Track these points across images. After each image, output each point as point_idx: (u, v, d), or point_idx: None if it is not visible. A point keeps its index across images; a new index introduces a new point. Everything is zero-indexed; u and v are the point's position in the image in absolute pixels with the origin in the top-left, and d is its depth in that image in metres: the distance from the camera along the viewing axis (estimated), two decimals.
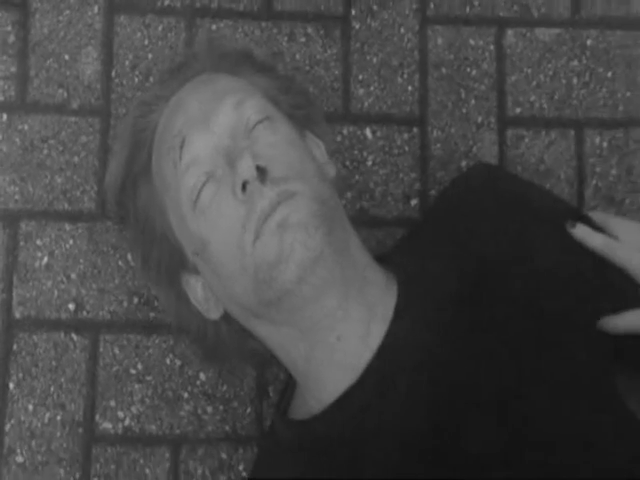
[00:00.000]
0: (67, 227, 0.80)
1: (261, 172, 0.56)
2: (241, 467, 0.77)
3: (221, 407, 0.79)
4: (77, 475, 0.77)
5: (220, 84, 0.66)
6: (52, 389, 0.79)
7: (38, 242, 0.80)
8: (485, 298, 0.63)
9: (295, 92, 0.74)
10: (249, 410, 0.79)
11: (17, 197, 0.81)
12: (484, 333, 0.60)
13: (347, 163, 0.82)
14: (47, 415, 0.79)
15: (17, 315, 0.79)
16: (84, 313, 0.80)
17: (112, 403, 0.79)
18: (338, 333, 0.60)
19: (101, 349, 0.78)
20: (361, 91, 0.82)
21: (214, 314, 0.67)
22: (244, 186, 0.57)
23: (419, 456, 0.57)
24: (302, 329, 0.61)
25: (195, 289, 0.67)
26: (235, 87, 0.66)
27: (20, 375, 0.79)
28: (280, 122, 0.65)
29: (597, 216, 0.71)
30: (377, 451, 0.59)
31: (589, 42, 0.83)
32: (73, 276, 0.80)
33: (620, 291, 0.66)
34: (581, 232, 0.67)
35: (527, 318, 0.62)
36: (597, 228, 0.68)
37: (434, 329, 0.61)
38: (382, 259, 0.68)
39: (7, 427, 0.77)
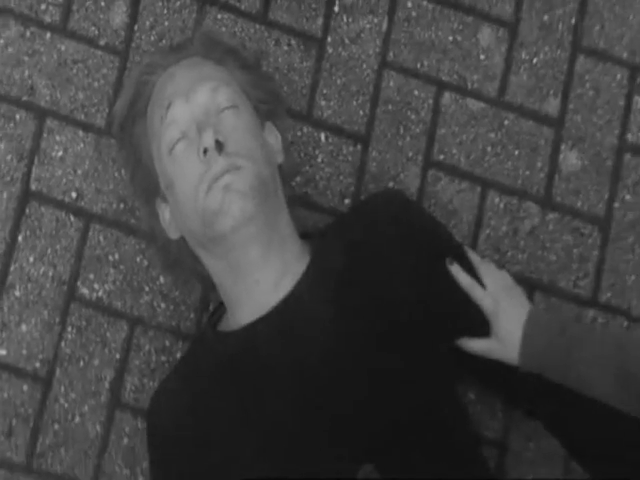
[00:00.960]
0: (80, 133, 1.05)
1: (219, 145, 0.80)
2: (178, 355, 1.03)
3: (172, 306, 1.05)
4: (57, 320, 1.03)
5: (205, 69, 0.90)
6: (49, 251, 1.04)
7: (57, 137, 1.05)
8: (365, 291, 0.87)
9: (266, 89, 0.97)
10: (192, 315, 1.05)
11: (47, 98, 1.05)
12: (355, 312, 0.85)
13: (302, 155, 1.05)
14: (42, 269, 1.04)
15: (32, 187, 1.05)
16: (82, 203, 1.05)
17: (91, 276, 1.04)
18: (257, 277, 0.83)
19: (90, 234, 1.04)
20: (323, 102, 1.05)
21: (174, 235, 0.90)
22: (205, 151, 0.80)
23: (300, 388, 0.81)
24: (232, 267, 0.84)
25: (164, 212, 0.91)
26: (216, 75, 0.89)
27: (27, 233, 1.04)
28: (245, 111, 0.89)
29: (474, 257, 0.93)
30: (269, 374, 0.83)
31: (506, 122, 1.08)
32: (79, 172, 1.05)
33: (474, 319, 0.90)
34: (454, 270, 0.91)
35: (386, 316, 0.85)
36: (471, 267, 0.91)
37: (325, 296, 0.84)
38: (307, 236, 0.93)
39: (11, 268, 1.03)
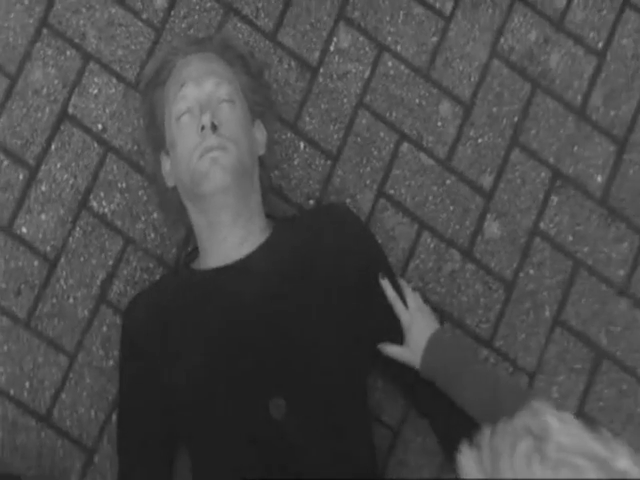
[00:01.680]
0: (114, 81, 1.32)
1: (214, 126, 1.06)
2: (157, 276, 1.27)
3: (159, 238, 1.30)
4: (69, 219, 1.30)
5: (216, 66, 1.16)
6: (73, 164, 1.30)
7: (95, 79, 1.31)
8: (304, 271, 1.10)
9: (262, 95, 1.22)
10: (174, 250, 1.30)
11: (94, 46, 1.32)
12: (293, 283, 1.09)
13: (283, 154, 1.30)
14: (65, 176, 1.30)
15: (69, 110, 1.31)
16: (105, 135, 1.31)
17: (101, 194, 1.30)
18: (225, 236, 1.10)
19: (107, 161, 1.30)
20: (307, 118, 1.29)
21: (170, 183, 1.17)
22: (202, 128, 1.06)
23: (241, 322, 1.07)
24: (208, 222, 1.11)
25: (165, 163, 1.18)
26: (223, 73, 1.15)
27: (59, 144, 1.30)
28: (239, 107, 1.14)
29: (403, 283, 1.19)
30: (220, 307, 1.09)
31: (448, 182, 1.34)
32: (107, 110, 1.31)
33: (391, 326, 1.14)
34: (384, 283, 1.15)
35: (317, 292, 1.09)
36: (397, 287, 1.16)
37: (273, 265, 1.09)
38: (272, 217, 1.20)
39: (42, 167, 1.30)
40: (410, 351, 1.12)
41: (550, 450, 0.61)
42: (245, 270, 1.09)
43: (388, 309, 1.15)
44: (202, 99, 1.09)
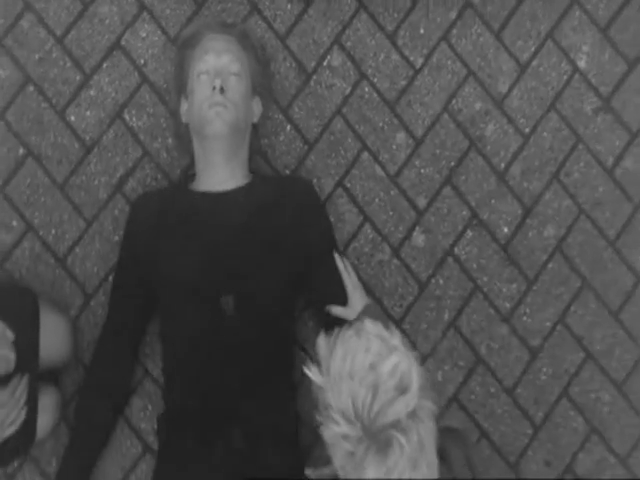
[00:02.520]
0: (159, 31, 1.73)
1: (222, 89, 1.46)
2: (162, 185, 1.69)
3: (170, 158, 1.71)
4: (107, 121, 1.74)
5: (233, 47, 1.56)
6: (121, 82, 1.72)
7: (146, 25, 1.72)
8: (266, 220, 1.50)
9: (264, 79, 1.64)
10: (178, 171, 1.71)
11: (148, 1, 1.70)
12: (256, 224, 1.49)
13: (272, 129, 1.70)
14: (110, 90, 1.73)
15: (122, 43, 1.74)
16: (146, 69, 1.72)
17: (135, 110, 1.73)
18: (216, 171, 1.53)
19: (142, 88, 1.72)
20: (296, 108, 1.73)
21: (185, 120, 1.58)
22: (214, 88, 1.45)
23: (213, 239, 1.48)
24: (205, 157, 1.52)
25: (184, 104, 1.57)
26: (238, 54, 1.55)
27: (110, 64, 1.72)
28: (244, 82, 1.54)
29: (345, 260, 1.57)
30: (201, 224, 1.50)
31: (392, 192, 1.70)
32: (149, 52, 1.73)
33: (335, 288, 1.52)
34: (336, 257, 1.55)
35: (276, 238, 1.50)
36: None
37: (246, 205, 1.49)
38: (254, 172, 1.60)
39: (92, 82, 1.74)
40: (349, 313, 1.46)
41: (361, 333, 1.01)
42: (223, 200, 1.50)
43: (330, 272, 1.52)
44: (218, 67, 1.49)
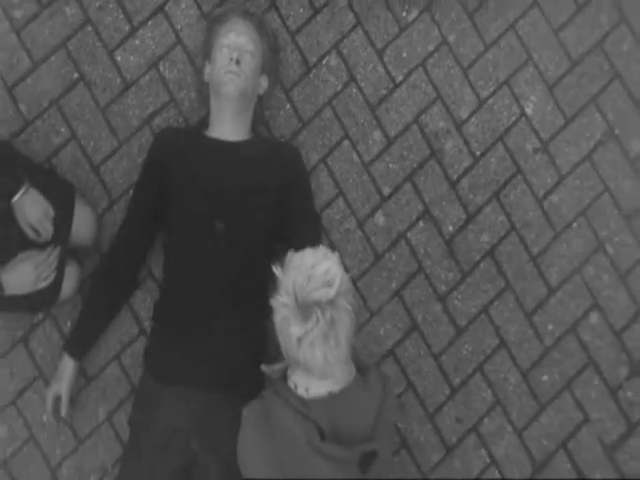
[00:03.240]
0: (196, 7, 2.19)
1: (237, 61, 1.93)
2: (182, 125, 2.18)
3: (190, 107, 2.18)
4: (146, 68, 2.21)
5: (251, 32, 2.02)
6: (160, 40, 2.20)
7: (182, 5, 2.15)
8: (259, 170, 1.96)
9: (273, 62, 2.11)
10: (196, 118, 2.17)
11: None
12: (251, 176, 1.95)
13: (274, 102, 2.13)
14: (151, 43, 2.21)
15: (165, 8, 2.22)
16: (182, 34, 2.19)
17: (167, 64, 2.21)
18: (225, 125, 2.03)
19: (176, 49, 2.19)
20: (296, 92, 2.17)
21: (206, 79, 2.04)
22: (231, 59, 1.92)
23: (216, 185, 1.93)
24: (218, 112, 2.03)
25: (207, 67, 2.05)
26: (253, 37, 2.01)
27: (154, 23, 2.19)
28: (256, 60, 2.02)
29: None
30: (208, 166, 1.97)
31: (364, 177, 2.10)
32: (186, 21, 2.19)
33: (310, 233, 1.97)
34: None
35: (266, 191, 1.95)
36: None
37: (245, 158, 1.95)
38: (255, 132, 2.07)
39: (137, 34, 2.20)
40: None
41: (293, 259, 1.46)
42: (227, 147, 1.96)
43: (304, 220, 1.99)
44: (236, 44, 1.94)
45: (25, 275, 1.88)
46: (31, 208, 1.87)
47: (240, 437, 1.54)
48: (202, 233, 1.86)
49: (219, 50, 1.94)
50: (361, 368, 1.55)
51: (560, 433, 2.16)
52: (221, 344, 1.85)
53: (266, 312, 1.84)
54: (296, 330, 1.40)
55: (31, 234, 1.90)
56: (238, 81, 1.89)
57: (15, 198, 1.84)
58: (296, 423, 1.44)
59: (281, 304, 1.42)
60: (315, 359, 1.40)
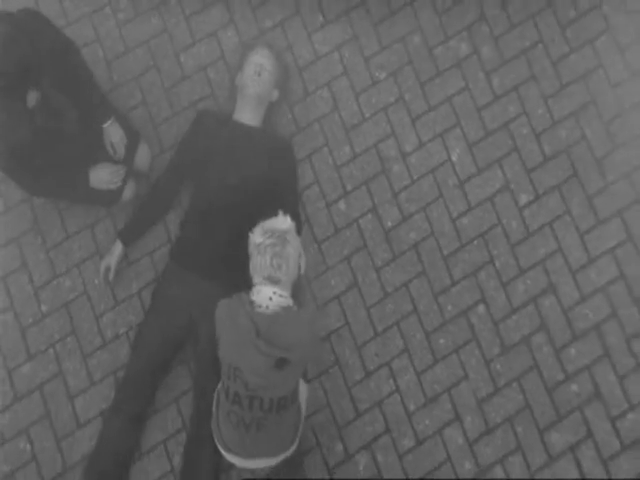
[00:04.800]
0: (237, 37, 3.26)
1: (259, 74, 3.04)
2: (208, 107, 2.94)
3: (221, 94, 3.27)
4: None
5: (271, 58, 3.13)
6: (203, 47, 2.95)
7: (229, 33, 3.28)
8: (258, 156, 3.07)
9: (284, 81, 3.18)
10: (222, 101, 3.32)
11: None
12: (251, 159, 3.04)
13: (281, 113, 3.20)
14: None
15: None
16: (224, 49, 3.17)
17: (213, 67, 3.17)
18: (244, 112, 3.14)
19: (221, 60, 3.33)
20: (297, 109, 3.12)
21: (236, 83, 3.18)
22: (255, 72, 3.03)
23: (229, 161, 3.08)
24: (243, 105, 3.14)
25: (239, 75, 3.22)
26: (271, 61, 3.12)
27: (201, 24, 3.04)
28: (272, 77, 3.13)
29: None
30: (224, 140, 3.11)
31: (339, 170, 3.15)
32: (228, 47, 3.31)
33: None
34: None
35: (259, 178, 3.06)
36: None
37: (250, 143, 3.06)
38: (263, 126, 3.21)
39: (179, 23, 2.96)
40: None
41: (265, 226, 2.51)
42: (243, 128, 2.99)
43: (286, 198, 3.03)
44: (260, 63, 2.98)
45: (103, 176, 2.91)
46: (114, 134, 2.87)
47: (214, 319, 2.52)
48: (215, 194, 2.88)
49: (248, 65, 2.98)
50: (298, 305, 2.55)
51: (447, 382, 3.13)
52: (222, 253, 2.90)
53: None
54: (257, 239, 2.41)
55: (111, 152, 2.95)
56: (257, 87, 2.94)
57: (106, 124, 2.84)
58: (244, 319, 2.34)
59: (257, 237, 2.43)
60: (264, 262, 2.39)
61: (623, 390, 3.12)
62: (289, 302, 2.42)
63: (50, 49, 2.49)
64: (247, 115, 2.99)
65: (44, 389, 3.09)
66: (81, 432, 3.05)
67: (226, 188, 2.84)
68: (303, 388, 2.72)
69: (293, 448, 2.60)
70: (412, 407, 3.09)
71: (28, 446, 3.04)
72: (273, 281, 2.42)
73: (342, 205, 3.18)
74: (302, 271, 2.57)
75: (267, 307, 2.38)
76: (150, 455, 3.03)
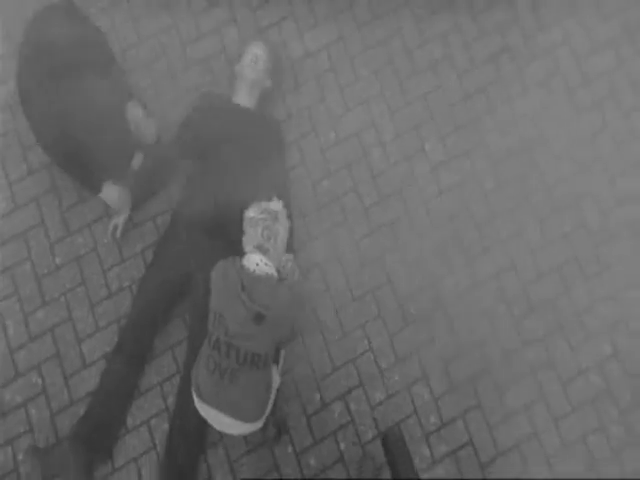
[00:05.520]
0: (238, 37, 3.67)
1: (255, 63, 3.51)
2: (209, 90, 3.33)
3: (222, 77, 3.51)
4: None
5: (266, 49, 3.60)
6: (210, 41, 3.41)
7: (232, 33, 3.51)
8: (251, 126, 3.53)
9: (277, 72, 3.63)
10: (225, 82, 3.72)
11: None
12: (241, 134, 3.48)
13: (273, 101, 3.58)
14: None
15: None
16: (228, 49, 3.52)
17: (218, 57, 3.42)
18: (240, 96, 3.58)
19: (224, 55, 3.67)
20: (288, 97, 3.56)
21: (236, 70, 3.62)
22: (251, 60, 3.50)
23: (221, 149, 3.52)
24: (239, 88, 3.61)
25: (237, 64, 3.63)
26: (267, 54, 3.57)
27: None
28: (266, 65, 3.59)
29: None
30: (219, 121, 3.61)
31: (322, 156, 3.60)
32: (226, 41, 3.56)
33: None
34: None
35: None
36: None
37: (245, 115, 3.53)
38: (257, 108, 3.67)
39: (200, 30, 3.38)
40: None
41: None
42: (237, 107, 3.40)
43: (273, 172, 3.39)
44: (256, 54, 3.41)
45: (112, 196, 3.28)
46: (133, 112, 3.24)
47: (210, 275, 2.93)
48: (208, 168, 3.29)
49: (246, 55, 3.40)
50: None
51: (416, 344, 3.53)
52: (220, 215, 3.23)
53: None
54: (250, 213, 2.87)
55: (136, 132, 3.30)
56: (253, 73, 3.38)
57: (130, 105, 3.23)
58: (233, 275, 2.78)
59: (253, 213, 2.87)
60: (256, 233, 2.85)
61: (574, 358, 3.54)
62: (273, 272, 2.85)
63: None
64: (243, 98, 3.42)
65: (55, 332, 3.49)
66: (87, 371, 3.43)
67: (223, 156, 3.24)
68: (276, 376, 3.05)
69: (258, 425, 2.88)
70: (384, 365, 3.49)
71: (39, 380, 3.43)
72: (262, 250, 2.87)
73: (326, 184, 3.61)
74: (296, 277, 3.02)
75: (254, 271, 2.81)
76: (147, 395, 3.42)
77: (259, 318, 2.75)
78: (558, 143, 3.73)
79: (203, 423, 3.21)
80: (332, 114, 3.71)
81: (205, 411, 2.86)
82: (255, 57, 3.41)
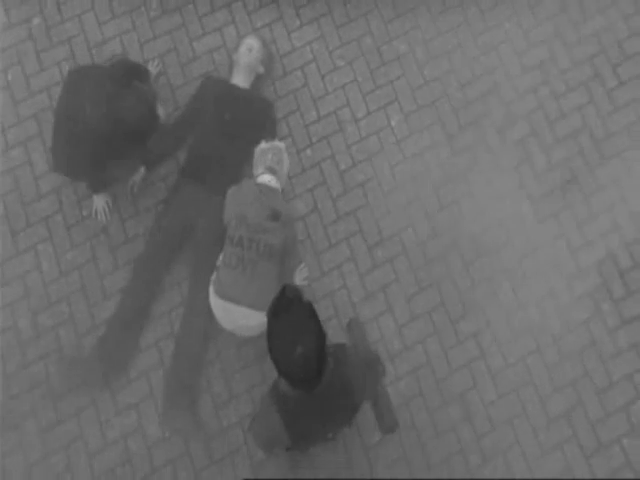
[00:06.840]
0: (235, 33, 4.57)
1: (249, 52, 4.39)
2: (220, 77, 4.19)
3: (225, 68, 4.46)
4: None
5: (259, 42, 4.47)
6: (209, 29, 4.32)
7: (232, 31, 4.39)
8: (246, 111, 4.44)
9: (270, 62, 4.51)
10: (226, 69, 4.54)
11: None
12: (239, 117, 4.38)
13: (265, 87, 4.43)
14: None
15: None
16: (230, 42, 4.38)
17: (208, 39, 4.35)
18: (236, 78, 4.43)
19: (224, 49, 4.51)
20: (278, 85, 4.45)
21: (234, 58, 4.47)
22: (247, 49, 4.40)
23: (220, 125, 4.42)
24: (236, 72, 4.46)
25: (235, 54, 4.50)
26: (260, 45, 4.45)
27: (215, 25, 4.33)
28: (259, 54, 4.43)
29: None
30: (216, 104, 4.53)
31: (311, 148, 4.47)
32: (227, 37, 4.42)
33: None
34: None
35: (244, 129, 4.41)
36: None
37: (240, 95, 4.44)
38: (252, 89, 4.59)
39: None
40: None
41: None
42: (234, 88, 4.20)
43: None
44: (250, 44, 4.27)
45: (100, 204, 4.12)
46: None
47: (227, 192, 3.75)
48: (211, 133, 4.04)
49: (242, 45, 4.21)
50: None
51: (382, 282, 4.34)
52: (220, 172, 4.06)
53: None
54: (261, 146, 3.68)
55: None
56: (247, 58, 4.15)
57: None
58: (251, 185, 3.59)
59: (261, 150, 3.70)
60: (267, 157, 3.66)
61: (515, 296, 4.35)
62: (280, 190, 3.69)
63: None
64: (240, 80, 4.20)
65: (82, 269, 4.24)
66: (108, 302, 4.25)
67: (224, 125, 4.05)
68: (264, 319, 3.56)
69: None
70: (355, 299, 4.32)
71: (67, 308, 4.20)
72: (272, 171, 3.70)
73: (309, 152, 4.46)
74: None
75: (269, 182, 3.66)
76: (157, 321, 4.24)
77: (276, 215, 3.56)
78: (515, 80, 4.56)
79: (202, 344, 4.03)
80: (314, 96, 4.57)
81: (222, 309, 3.50)
82: (250, 46, 4.25)
